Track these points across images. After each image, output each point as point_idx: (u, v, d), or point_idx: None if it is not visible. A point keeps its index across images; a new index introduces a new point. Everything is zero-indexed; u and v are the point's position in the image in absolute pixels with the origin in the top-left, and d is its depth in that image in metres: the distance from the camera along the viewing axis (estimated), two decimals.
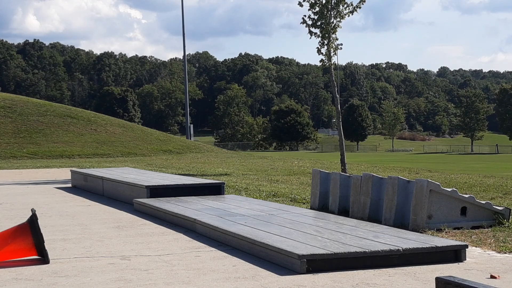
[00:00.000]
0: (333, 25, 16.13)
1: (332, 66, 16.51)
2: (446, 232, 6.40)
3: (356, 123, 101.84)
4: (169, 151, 33.55)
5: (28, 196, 11.20)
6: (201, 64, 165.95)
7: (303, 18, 16.37)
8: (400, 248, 4.87)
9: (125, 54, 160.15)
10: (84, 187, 12.37)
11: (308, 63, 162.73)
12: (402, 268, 4.76)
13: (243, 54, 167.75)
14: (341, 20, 16.22)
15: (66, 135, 33.69)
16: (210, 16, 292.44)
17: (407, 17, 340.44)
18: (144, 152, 32.51)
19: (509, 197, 9.67)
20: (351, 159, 31.21)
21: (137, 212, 8.55)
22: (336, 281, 4.38)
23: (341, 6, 16.15)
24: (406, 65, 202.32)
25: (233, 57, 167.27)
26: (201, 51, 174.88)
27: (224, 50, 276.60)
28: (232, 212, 7.22)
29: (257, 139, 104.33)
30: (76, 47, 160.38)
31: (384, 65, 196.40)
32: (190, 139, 44.13)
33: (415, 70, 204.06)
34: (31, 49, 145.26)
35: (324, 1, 16.12)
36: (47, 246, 5.17)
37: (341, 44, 16.39)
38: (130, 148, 33.19)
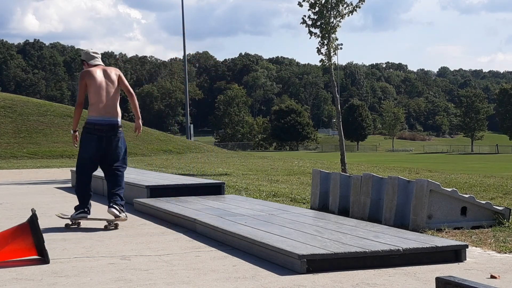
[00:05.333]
0: (333, 25, 16.14)
1: (332, 66, 16.51)
2: (446, 232, 6.40)
3: (356, 123, 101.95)
4: (169, 151, 33.55)
5: (28, 196, 11.19)
6: (201, 64, 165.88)
7: (303, 18, 16.38)
8: (400, 248, 4.87)
9: (125, 54, 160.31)
10: None
11: (308, 63, 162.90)
12: (402, 268, 4.76)
13: (243, 54, 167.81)
14: (341, 20, 16.24)
15: (66, 135, 33.65)
16: (210, 16, 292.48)
17: (406, 17, 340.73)
18: (144, 152, 32.51)
19: (509, 197, 9.66)
20: (351, 159, 31.21)
21: (137, 212, 8.54)
22: (336, 281, 4.38)
23: (340, 6, 16.16)
24: (406, 65, 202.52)
25: (233, 57, 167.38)
26: (201, 51, 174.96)
27: (224, 50, 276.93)
28: (232, 212, 7.21)
29: (257, 139, 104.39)
30: (76, 47, 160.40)
31: (384, 65, 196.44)
32: (190, 139, 44.14)
33: (415, 70, 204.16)
34: (31, 49, 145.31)
35: (323, 1, 16.13)
36: (47, 246, 5.17)
37: (341, 44, 16.41)
38: (130, 148, 33.11)
